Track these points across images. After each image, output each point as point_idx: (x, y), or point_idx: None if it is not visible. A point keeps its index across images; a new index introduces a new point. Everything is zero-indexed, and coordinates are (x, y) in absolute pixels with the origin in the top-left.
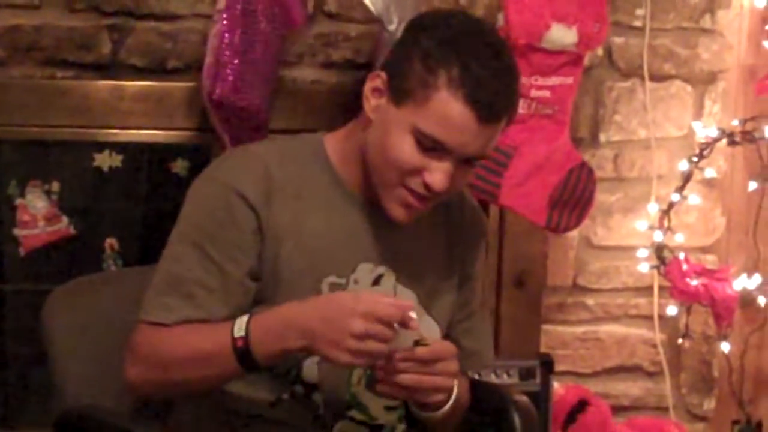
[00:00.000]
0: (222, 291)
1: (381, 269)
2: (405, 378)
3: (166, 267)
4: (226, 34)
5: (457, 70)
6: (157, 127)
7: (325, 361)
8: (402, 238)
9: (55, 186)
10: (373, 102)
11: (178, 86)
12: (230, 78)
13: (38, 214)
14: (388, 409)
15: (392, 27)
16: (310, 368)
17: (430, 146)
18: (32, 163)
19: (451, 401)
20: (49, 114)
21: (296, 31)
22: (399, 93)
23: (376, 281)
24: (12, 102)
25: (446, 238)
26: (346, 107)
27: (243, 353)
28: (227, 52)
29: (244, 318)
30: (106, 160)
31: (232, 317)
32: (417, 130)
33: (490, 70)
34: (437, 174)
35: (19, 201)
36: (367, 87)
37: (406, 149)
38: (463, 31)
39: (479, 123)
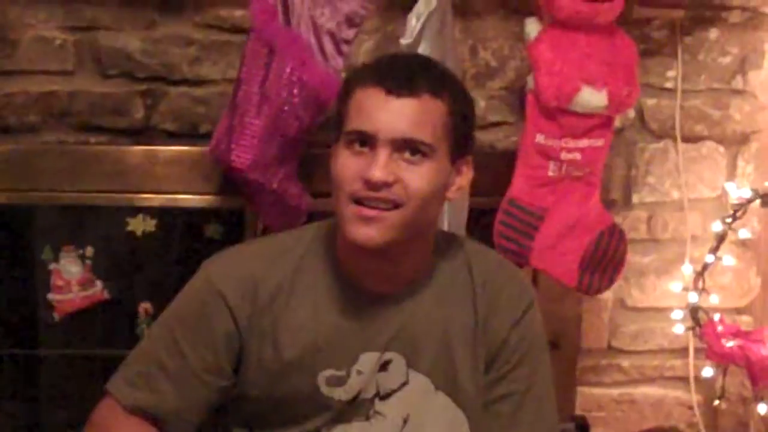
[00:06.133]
0: (178, 378)
1: (389, 355)
2: None
3: (143, 342)
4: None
5: (367, 72)
6: (190, 191)
7: None
8: (414, 321)
9: (89, 251)
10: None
11: None
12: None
13: (72, 279)
14: None
15: None
16: None
17: (358, 143)
18: (66, 228)
19: None
20: (83, 179)
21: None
22: (336, 130)
23: (383, 367)
24: (46, 167)
25: (473, 314)
26: None
27: None
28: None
29: None
30: (140, 225)
31: (185, 409)
32: (344, 135)
33: (395, 58)
34: (370, 166)
35: (53, 266)
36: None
37: (341, 161)
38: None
39: (388, 95)
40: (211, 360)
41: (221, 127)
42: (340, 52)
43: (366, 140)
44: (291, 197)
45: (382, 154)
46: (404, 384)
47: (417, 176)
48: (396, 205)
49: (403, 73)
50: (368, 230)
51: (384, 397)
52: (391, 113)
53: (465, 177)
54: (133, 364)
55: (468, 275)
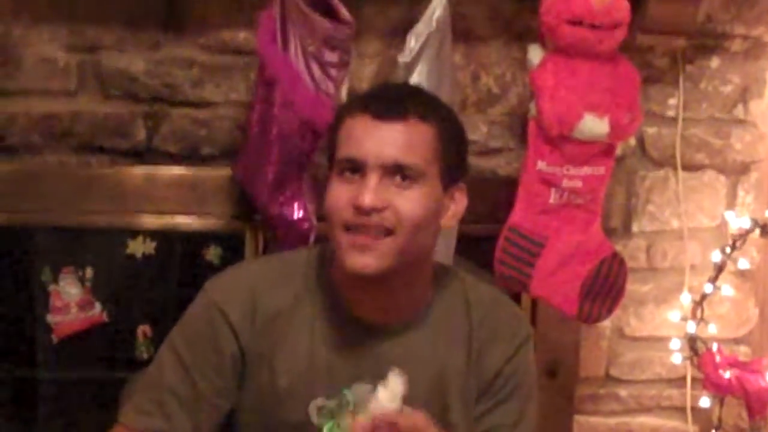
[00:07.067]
0: (190, 403)
1: None
2: None
3: (152, 368)
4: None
5: (355, 101)
6: (190, 213)
7: None
8: (408, 355)
9: (89, 273)
10: None
11: (211, 173)
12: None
13: (71, 301)
14: None
15: None
16: None
17: (349, 171)
18: (66, 249)
19: None
20: (83, 200)
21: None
22: (329, 161)
23: None
24: (46, 188)
25: (468, 349)
26: None
27: None
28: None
29: None
30: (139, 247)
31: (195, 430)
32: (336, 164)
33: (383, 86)
34: (361, 192)
35: (52, 287)
36: None
37: (333, 190)
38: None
39: (375, 119)
40: (221, 384)
41: (240, 150)
42: (329, 77)
43: (356, 167)
44: (294, 221)
45: (372, 179)
46: None
47: (407, 201)
48: (388, 232)
49: (389, 99)
50: (364, 258)
51: None
52: (380, 138)
53: (459, 204)
54: (144, 392)
55: (465, 311)
